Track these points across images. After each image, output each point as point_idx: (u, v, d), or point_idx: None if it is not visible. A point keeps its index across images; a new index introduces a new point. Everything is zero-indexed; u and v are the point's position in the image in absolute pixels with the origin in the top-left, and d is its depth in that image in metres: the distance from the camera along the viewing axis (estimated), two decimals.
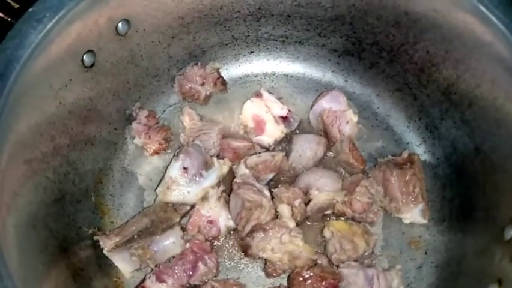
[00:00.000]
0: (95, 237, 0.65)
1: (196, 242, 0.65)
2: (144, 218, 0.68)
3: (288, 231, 0.64)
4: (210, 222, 0.68)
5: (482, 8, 0.53)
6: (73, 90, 0.62)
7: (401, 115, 0.75)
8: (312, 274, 0.61)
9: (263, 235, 0.63)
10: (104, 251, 0.64)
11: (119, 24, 0.64)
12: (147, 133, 0.75)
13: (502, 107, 0.55)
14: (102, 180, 0.72)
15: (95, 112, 0.68)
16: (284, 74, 0.82)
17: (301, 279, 0.61)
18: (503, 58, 0.53)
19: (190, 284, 0.64)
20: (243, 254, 0.65)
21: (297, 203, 0.67)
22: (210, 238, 0.67)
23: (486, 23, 0.53)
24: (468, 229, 0.61)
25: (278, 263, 0.64)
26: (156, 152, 0.76)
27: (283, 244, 0.62)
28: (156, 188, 0.69)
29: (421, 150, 0.73)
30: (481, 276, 0.51)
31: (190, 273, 0.64)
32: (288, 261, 0.63)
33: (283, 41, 0.80)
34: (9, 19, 0.55)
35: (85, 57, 0.61)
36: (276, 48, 0.81)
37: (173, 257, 0.65)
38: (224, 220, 0.68)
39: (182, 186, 0.68)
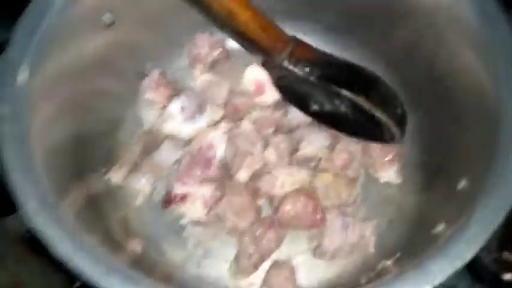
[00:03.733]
0: (107, 176, 0.74)
1: (202, 152, 0.75)
2: (135, 146, 0.78)
3: (288, 167, 0.72)
4: (210, 146, 0.77)
5: None
6: (94, 46, 0.70)
7: None
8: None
9: (269, 176, 0.71)
10: (119, 183, 0.74)
11: None
12: (157, 90, 0.84)
13: (470, 79, 0.62)
14: (117, 127, 0.80)
15: (112, 67, 0.77)
16: None
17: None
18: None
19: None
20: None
21: (282, 146, 0.75)
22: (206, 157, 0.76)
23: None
24: (434, 186, 0.69)
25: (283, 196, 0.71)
26: (164, 106, 0.84)
27: (290, 176, 0.71)
28: None
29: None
30: (435, 220, 0.58)
31: (206, 170, 0.74)
32: (295, 191, 0.71)
33: (284, 15, 0.86)
34: None
35: (104, 17, 0.70)
36: (278, 22, 0.88)
37: (178, 161, 0.76)
38: (221, 151, 0.77)
39: (177, 122, 0.79)
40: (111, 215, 0.73)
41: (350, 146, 0.74)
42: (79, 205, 0.65)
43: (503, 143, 0.50)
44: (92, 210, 0.69)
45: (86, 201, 0.68)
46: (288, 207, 0.69)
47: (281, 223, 0.70)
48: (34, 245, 0.74)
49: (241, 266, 0.68)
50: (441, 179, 0.66)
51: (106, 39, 0.73)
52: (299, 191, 0.70)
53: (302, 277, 0.69)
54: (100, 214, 0.71)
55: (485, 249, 0.44)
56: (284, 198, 0.70)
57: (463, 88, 0.65)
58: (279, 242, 0.69)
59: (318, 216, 0.69)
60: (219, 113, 0.81)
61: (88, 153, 0.73)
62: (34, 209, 0.52)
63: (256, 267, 0.69)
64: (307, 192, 0.70)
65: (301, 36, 0.89)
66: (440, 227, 0.55)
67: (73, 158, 0.69)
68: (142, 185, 0.75)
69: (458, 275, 0.44)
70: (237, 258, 0.70)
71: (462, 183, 0.57)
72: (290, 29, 0.88)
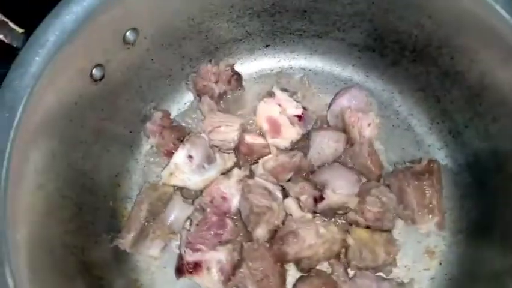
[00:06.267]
0: (113, 244, 0.68)
1: (215, 205, 0.68)
2: (142, 205, 0.70)
3: (316, 223, 0.64)
4: (224, 198, 0.69)
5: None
6: (84, 105, 0.62)
7: (423, 116, 0.72)
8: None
9: (296, 239, 0.63)
10: (127, 250, 0.67)
11: (127, 34, 0.62)
12: (161, 133, 0.75)
13: None
14: (120, 184, 0.73)
15: (109, 120, 0.68)
16: (301, 68, 0.79)
17: None
18: None
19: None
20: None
21: (303, 197, 0.67)
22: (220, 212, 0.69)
23: None
24: (485, 248, 0.59)
25: (315, 256, 0.64)
26: (170, 152, 0.75)
27: (320, 236, 0.63)
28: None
29: (442, 155, 0.70)
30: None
31: (220, 232, 0.67)
32: (326, 250, 0.64)
33: (301, 34, 0.76)
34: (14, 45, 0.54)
35: (93, 71, 0.61)
36: (293, 41, 0.78)
37: (189, 218, 0.69)
38: (236, 203, 0.69)
39: (185, 174, 0.71)
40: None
41: (382, 197, 0.64)
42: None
43: None
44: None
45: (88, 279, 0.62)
46: None
47: None
48: None
49: None
50: (495, 241, 0.57)
51: (97, 90, 0.64)
52: (320, 276, 0.63)
53: None
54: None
55: None
56: (308, 273, 0.63)
57: None
58: None
59: None
60: (230, 160, 0.73)
61: (89, 221, 0.66)
62: None
63: None
64: (327, 280, 0.63)
65: (320, 53, 0.79)
66: None
67: (71, 241, 0.61)
68: (153, 251, 0.68)
69: None
70: None
71: None
72: (309, 47, 0.77)
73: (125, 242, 0.68)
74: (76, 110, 0.61)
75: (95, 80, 0.62)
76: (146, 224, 0.69)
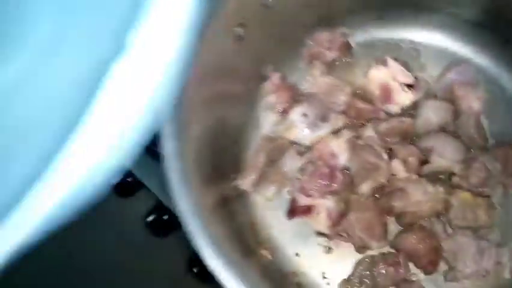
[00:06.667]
0: (236, 183, 0.78)
1: (324, 160, 0.75)
2: (260, 153, 0.79)
3: (423, 182, 0.70)
4: (332, 154, 0.76)
5: None
6: (223, 63, 0.71)
7: None
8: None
9: (403, 195, 0.70)
10: (247, 190, 0.77)
11: None
12: (277, 92, 0.83)
13: None
14: (241, 134, 0.82)
15: (237, 78, 0.77)
16: (411, 41, 0.83)
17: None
18: None
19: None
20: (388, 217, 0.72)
21: (410, 159, 0.72)
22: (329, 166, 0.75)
23: None
24: None
25: (419, 212, 0.70)
26: (285, 110, 0.83)
27: (427, 194, 0.69)
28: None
29: None
30: None
31: (330, 183, 0.73)
32: (429, 207, 0.69)
33: (415, 8, 0.80)
34: None
35: (236, 30, 0.70)
36: (407, 15, 0.82)
37: (302, 168, 0.75)
38: (344, 160, 0.76)
39: (298, 129, 0.78)
40: (241, 219, 0.77)
41: (488, 164, 0.69)
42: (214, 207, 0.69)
43: None
44: (225, 213, 0.73)
45: (219, 204, 0.72)
46: (411, 238, 0.68)
47: (398, 249, 0.70)
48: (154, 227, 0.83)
49: None
50: None
51: (235, 50, 0.73)
52: (423, 230, 0.69)
53: None
54: (231, 217, 0.75)
55: None
56: (409, 227, 0.70)
57: None
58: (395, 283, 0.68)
59: (434, 259, 0.68)
60: (340, 121, 0.79)
61: (219, 161, 0.76)
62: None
63: None
64: (429, 234, 0.69)
65: (432, 28, 0.83)
66: None
67: (209, 167, 0.72)
68: (270, 193, 0.78)
69: None
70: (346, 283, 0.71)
71: None
72: (422, 21, 0.81)
73: (245, 183, 0.78)
74: (217, 68, 0.70)
75: (236, 40, 0.71)
76: (264, 169, 0.78)
